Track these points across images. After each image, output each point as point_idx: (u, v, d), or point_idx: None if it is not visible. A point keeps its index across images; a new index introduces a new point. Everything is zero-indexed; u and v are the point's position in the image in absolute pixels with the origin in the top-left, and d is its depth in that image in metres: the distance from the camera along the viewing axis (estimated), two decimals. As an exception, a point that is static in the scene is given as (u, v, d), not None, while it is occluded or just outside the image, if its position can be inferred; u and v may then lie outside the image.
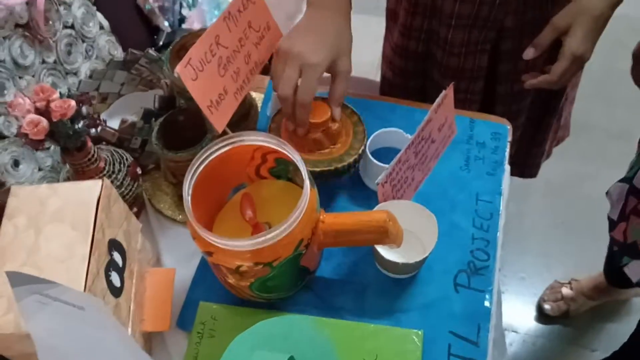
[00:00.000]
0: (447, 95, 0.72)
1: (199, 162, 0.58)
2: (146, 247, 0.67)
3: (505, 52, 0.88)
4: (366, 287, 0.67)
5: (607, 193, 0.85)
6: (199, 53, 0.61)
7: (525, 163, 1.19)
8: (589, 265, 1.39)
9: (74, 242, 0.52)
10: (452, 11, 0.85)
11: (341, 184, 0.76)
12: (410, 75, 0.97)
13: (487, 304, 0.65)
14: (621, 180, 0.82)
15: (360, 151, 0.70)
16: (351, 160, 0.70)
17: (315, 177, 0.63)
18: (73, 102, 0.57)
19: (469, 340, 0.63)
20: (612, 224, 0.82)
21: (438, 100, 0.70)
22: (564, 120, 1.16)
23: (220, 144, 0.59)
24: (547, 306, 1.43)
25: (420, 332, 0.62)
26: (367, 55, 1.31)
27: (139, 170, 0.70)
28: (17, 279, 0.42)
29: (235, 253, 0.55)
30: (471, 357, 0.62)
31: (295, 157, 0.58)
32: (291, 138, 0.70)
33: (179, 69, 0.59)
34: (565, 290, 1.43)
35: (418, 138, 0.69)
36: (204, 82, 0.62)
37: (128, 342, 0.48)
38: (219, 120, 0.64)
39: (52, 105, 0.56)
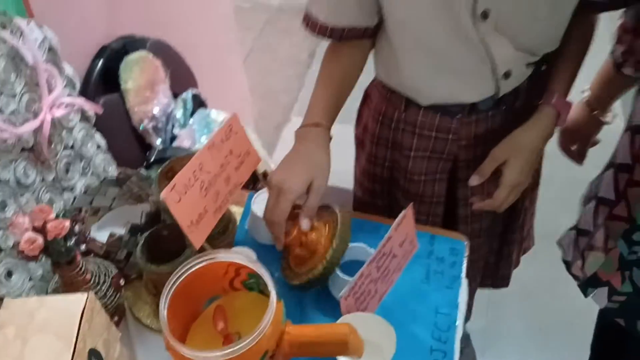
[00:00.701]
0: (407, 215, 0.80)
1: (175, 278, 0.64)
2: (124, 354, 0.71)
3: (462, 180, 0.98)
4: (329, 398, 0.71)
5: (558, 243, 1.00)
6: (183, 179, 0.70)
7: (496, 275, 1.26)
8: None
9: (57, 352, 0.57)
10: (411, 145, 0.97)
11: (311, 294, 0.82)
12: (377, 195, 1.06)
13: (444, 416, 0.69)
14: (569, 229, 0.97)
15: (332, 259, 0.77)
16: (324, 267, 0.76)
17: (297, 288, 0.71)
18: (67, 223, 0.65)
19: None
20: (568, 265, 0.96)
21: (398, 219, 0.78)
22: (527, 232, 1.24)
23: (196, 261, 0.66)
24: None
25: None
26: (345, 163, 1.40)
27: (122, 282, 0.76)
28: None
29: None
30: None
31: (262, 272, 0.64)
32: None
33: (164, 194, 0.67)
34: None
35: (380, 254, 0.76)
36: (186, 203, 0.70)
37: None
38: (198, 237, 0.71)
39: (49, 225, 0.64)
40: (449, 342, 0.76)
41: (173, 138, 1.14)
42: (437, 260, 0.86)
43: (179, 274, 0.65)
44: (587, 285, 0.95)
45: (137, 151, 1.07)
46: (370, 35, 0.88)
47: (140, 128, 1.07)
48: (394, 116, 0.97)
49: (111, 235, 0.80)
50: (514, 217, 1.13)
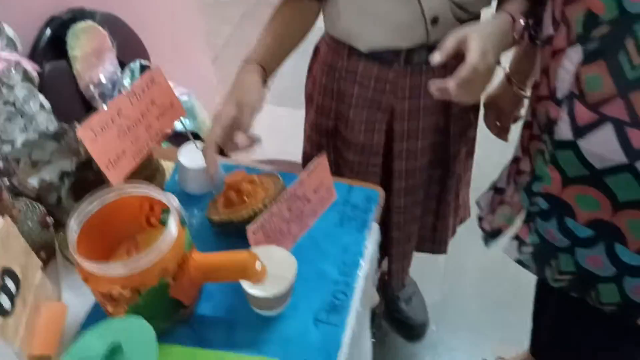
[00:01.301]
0: (320, 162, 0.86)
1: (88, 205, 0.70)
2: (46, 284, 0.77)
3: (399, 133, 1.05)
4: (237, 323, 0.77)
5: (476, 201, 1.07)
6: (99, 119, 0.75)
7: (433, 239, 1.32)
8: (516, 342, 1.45)
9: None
10: (352, 93, 1.04)
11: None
12: (324, 149, 1.13)
13: (341, 336, 0.75)
14: (488, 189, 1.04)
15: (257, 209, 0.82)
16: (248, 215, 0.81)
17: (218, 226, 0.81)
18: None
19: (319, 367, 0.72)
20: (480, 220, 1.04)
21: (310, 164, 0.84)
22: (462, 200, 1.30)
23: (109, 193, 0.72)
24: None
25: None
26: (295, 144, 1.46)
27: (49, 220, 0.82)
28: None
29: (106, 279, 0.65)
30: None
31: (168, 200, 0.70)
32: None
33: (79, 131, 0.73)
34: None
35: (290, 195, 0.82)
36: (103, 143, 0.76)
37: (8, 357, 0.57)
38: (115, 176, 0.77)
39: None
40: (352, 275, 0.82)
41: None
42: (351, 207, 0.92)
43: (92, 202, 0.71)
44: (489, 236, 1.02)
45: (83, 115, 1.13)
46: None
47: (87, 94, 1.13)
48: (338, 65, 1.05)
49: (42, 181, 0.85)
50: (448, 179, 1.19)
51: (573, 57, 0.73)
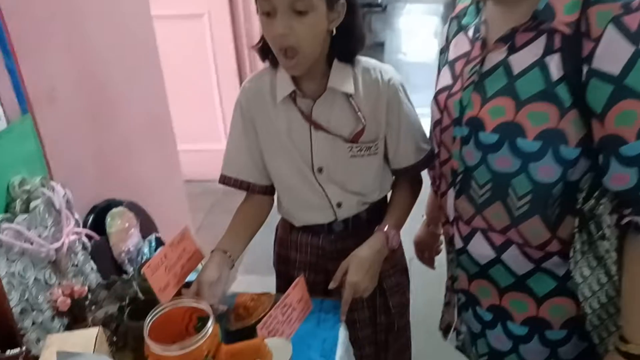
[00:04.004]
0: (299, 281, 1.25)
1: (152, 314, 1.05)
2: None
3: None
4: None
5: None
6: (155, 261, 1.14)
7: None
8: None
9: None
10: (295, 259, 1.41)
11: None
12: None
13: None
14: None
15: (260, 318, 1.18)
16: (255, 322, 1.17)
17: (234, 333, 1.15)
18: (86, 287, 1.07)
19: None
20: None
21: (293, 283, 1.23)
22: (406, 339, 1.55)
23: (164, 305, 1.07)
24: None
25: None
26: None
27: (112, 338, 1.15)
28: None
29: (169, 357, 0.98)
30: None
31: (203, 305, 1.06)
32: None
33: (144, 268, 1.11)
34: None
35: (283, 304, 1.19)
36: (157, 276, 1.14)
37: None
38: (164, 297, 1.14)
39: (75, 289, 1.06)
40: (331, 357, 1.17)
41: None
42: (324, 312, 1.29)
43: (154, 312, 1.06)
44: (444, 332, 1.37)
45: (117, 275, 1.50)
46: (270, 192, 1.35)
47: (119, 260, 1.52)
48: (285, 238, 1.44)
49: (106, 313, 1.20)
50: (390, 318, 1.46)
51: (451, 195, 1.17)
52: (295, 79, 1.21)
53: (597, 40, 0.87)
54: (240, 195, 1.39)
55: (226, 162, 1.33)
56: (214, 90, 3.48)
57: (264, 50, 1.21)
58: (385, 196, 1.39)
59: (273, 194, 1.38)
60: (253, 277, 2.58)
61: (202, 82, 3.44)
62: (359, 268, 1.21)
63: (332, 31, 1.17)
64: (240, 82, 3.52)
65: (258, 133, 1.29)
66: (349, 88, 1.20)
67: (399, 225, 1.31)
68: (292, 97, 1.23)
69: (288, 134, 1.25)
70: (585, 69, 0.89)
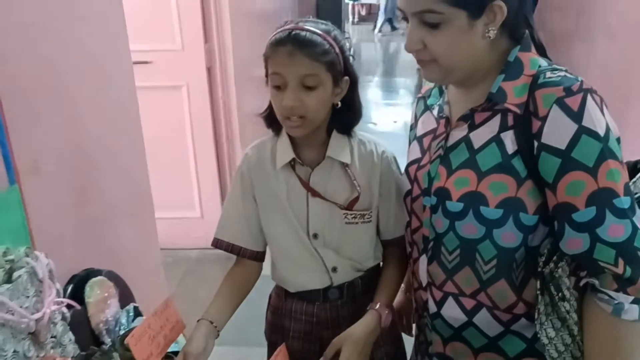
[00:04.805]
0: (282, 349, 1.28)
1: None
2: None
3: None
4: None
5: None
6: (138, 331, 1.16)
7: None
8: None
9: None
10: (289, 326, 1.43)
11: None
12: None
13: None
14: None
15: None
16: None
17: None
18: None
19: None
20: None
21: (275, 353, 1.25)
22: None
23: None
24: None
25: None
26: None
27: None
28: None
29: None
30: None
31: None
32: None
33: (128, 338, 1.13)
34: None
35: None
36: (140, 346, 1.15)
37: None
38: (147, 369, 1.15)
39: (57, 360, 1.06)
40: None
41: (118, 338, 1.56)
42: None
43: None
44: None
45: (95, 345, 1.49)
46: (260, 258, 1.39)
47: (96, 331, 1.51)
48: (279, 305, 1.47)
49: (84, 386, 1.20)
50: None
51: (423, 261, 1.25)
52: (295, 148, 1.31)
53: (544, 119, 0.99)
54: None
55: (221, 226, 1.39)
56: (190, 159, 3.55)
57: (270, 118, 1.31)
58: (377, 266, 1.43)
59: (262, 260, 1.43)
60: (224, 349, 2.55)
61: (179, 151, 3.51)
62: (353, 349, 1.22)
63: (337, 104, 1.27)
64: (217, 151, 3.63)
65: (257, 198, 1.36)
66: (346, 158, 1.29)
67: (390, 301, 1.34)
68: (292, 164, 1.31)
69: (287, 199, 1.32)
70: (535, 143, 1.00)
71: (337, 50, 1.22)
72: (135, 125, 2.11)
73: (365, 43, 9.19)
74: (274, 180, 1.32)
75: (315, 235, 1.33)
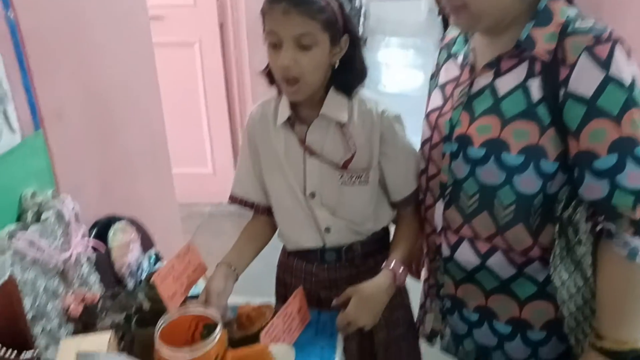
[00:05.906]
0: (299, 292, 1.32)
1: (161, 322, 1.10)
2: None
3: None
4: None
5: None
6: (164, 271, 1.20)
7: None
8: None
9: None
10: (291, 282, 1.45)
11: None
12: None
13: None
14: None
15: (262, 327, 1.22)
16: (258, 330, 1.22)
17: (237, 341, 1.18)
18: (97, 295, 1.13)
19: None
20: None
21: (293, 294, 1.29)
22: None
23: (173, 313, 1.13)
24: None
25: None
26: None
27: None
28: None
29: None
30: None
31: (210, 313, 1.12)
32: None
33: (155, 277, 1.17)
34: None
35: (284, 313, 1.26)
36: (165, 285, 1.19)
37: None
38: (172, 305, 1.19)
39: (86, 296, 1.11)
40: (330, 360, 1.23)
41: (141, 281, 1.62)
42: (322, 323, 1.36)
43: (165, 318, 1.11)
44: (428, 338, 1.44)
45: (118, 287, 1.54)
46: (273, 213, 1.40)
47: (120, 273, 1.56)
48: (283, 262, 1.50)
49: (112, 321, 1.25)
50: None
51: (439, 207, 1.26)
52: (293, 106, 1.30)
53: (572, 67, 0.99)
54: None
55: (235, 182, 1.42)
56: (203, 115, 3.56)
57: (271, 76, 1.30)
58: (382, 232, 1.42)
59: None
60: (240, 298, 2.62)
61: (191, 107, 3.52)
62: (359, 305, 1.22)
63: (335, 64, 1.24)
64: (229, 108, 3.63)
65: (260, 155, 1.37)
66: (342, 117, 1.26)
67: (405, 260, 1.32)
68: (290, 122, 1.31)
69: (285, 156, 1.33)
70: (561, 91, 1.01)
71: (336, 7, 1.18)
72: (152, 77, 2.12)
73: (375, 2, 8.97)
74: (275, 138, 1.32)
75: (312, 195, 1.32)
